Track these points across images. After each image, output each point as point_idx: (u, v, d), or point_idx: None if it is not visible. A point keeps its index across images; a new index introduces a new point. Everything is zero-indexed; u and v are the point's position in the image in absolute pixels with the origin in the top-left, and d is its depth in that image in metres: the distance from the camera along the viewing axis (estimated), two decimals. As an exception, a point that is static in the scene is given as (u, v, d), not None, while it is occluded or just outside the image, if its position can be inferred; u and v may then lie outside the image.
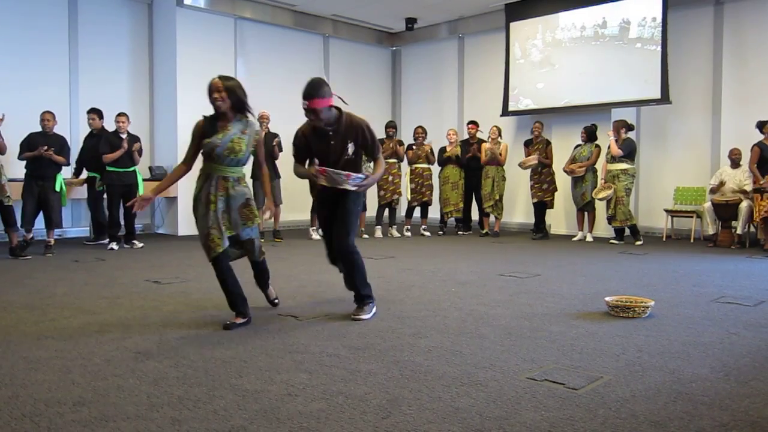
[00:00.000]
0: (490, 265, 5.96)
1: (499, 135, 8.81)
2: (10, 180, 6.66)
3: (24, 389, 2.50)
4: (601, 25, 8.86)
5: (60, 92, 8.41)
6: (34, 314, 3.85)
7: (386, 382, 2.58)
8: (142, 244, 7.44)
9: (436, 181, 9.11)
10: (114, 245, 7.18)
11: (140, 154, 7.43)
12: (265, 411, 2.27)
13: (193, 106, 8.82)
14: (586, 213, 8.30)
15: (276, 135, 8.23)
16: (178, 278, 5.19)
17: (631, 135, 7.99)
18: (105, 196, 7.40)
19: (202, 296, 4.42)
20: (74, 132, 8.35)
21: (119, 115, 7.33)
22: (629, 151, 7.76)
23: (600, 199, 7.92)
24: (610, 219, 7.93)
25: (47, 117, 6.79)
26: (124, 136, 7.22)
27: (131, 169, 7.31)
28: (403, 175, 8.96)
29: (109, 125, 7.48)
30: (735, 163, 7.64)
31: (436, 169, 9.13)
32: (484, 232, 8.96)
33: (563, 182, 8.82)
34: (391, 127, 8.83)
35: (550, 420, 2.19)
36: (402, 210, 9.89)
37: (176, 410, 2.28)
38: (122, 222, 7.41)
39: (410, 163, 8.92)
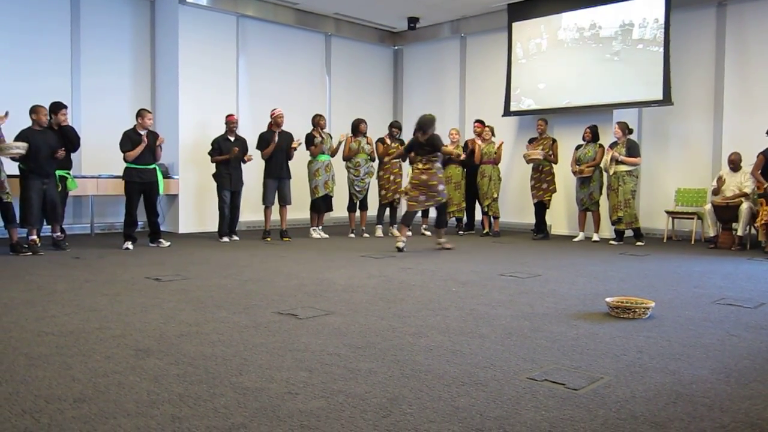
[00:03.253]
0: (491, 265, 5.96)
1: (492, 135, 8.83)
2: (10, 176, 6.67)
3: (24, 385, 2.51)
4: (603, 26, 8.85)
5: (62, 89, 8.40)
6: (35, 311, 3.85)
7: (386, 381, 2.58)
8: (168, 243, 7.33)
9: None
10: (129, 245, 6.98)
11: (161, 149, 7.25)
12: (265, 409, 2.27)
13: (195, 104, 8.98)
14: (590, 213, 8.30)
15: (290, 134, 8.10)
16: (178, 275, 5.20)
17: (631, 137, 7.98)
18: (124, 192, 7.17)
19: (203, 293, 4.42)
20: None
21: (142, 110, 7.13)
22: (636, 151, 7.81)
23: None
24: (617, 222, 7.91)
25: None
26: (144, 132, 7.04)
27: (152, 166, 7.12)
28: (405, 174, 8.94)
29: (122, 123, 7.38)
30: (735, 167, 7.62)
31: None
32: (485, 231, 8.96)
33: (564, 182, 8.81)
34: (396, 127, 8.80)
35: (550, 420, 2.18)
36: (403, 209, 9.86)
37: (176, 407, 2.28)
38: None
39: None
